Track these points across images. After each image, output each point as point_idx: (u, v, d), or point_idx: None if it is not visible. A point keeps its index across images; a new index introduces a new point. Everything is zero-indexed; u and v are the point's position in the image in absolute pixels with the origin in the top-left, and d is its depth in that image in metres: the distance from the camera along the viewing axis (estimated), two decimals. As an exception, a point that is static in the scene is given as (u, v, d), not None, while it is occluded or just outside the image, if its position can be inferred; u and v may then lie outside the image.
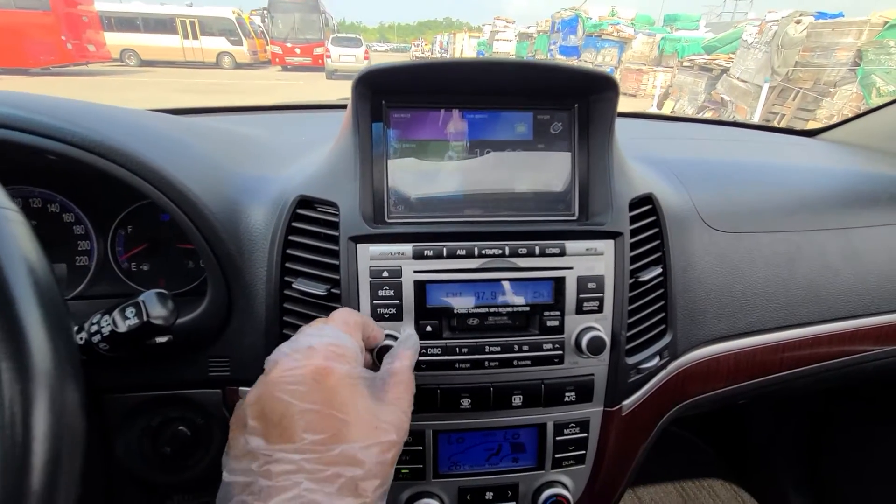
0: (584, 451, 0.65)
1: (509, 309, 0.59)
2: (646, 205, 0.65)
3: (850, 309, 0.79)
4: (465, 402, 0.60)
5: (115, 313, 0.45)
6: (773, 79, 9.00)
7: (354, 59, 18.23)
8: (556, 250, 0.59)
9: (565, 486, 0.65)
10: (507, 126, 0.62)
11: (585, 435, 0.65)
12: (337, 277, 0.57)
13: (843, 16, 8.92)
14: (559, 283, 0.59)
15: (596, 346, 0.58)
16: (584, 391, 0.62)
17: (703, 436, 1.44)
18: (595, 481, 0.68)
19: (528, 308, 0.59)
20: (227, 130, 0.82)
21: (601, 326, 0.60)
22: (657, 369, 0.68)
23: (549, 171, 0.63)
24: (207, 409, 0.63)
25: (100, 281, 0.70)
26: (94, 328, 0.45)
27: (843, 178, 0.94)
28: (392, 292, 0.57)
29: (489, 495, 0.65)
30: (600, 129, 0.62)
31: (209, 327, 0.59)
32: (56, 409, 0.27)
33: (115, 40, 17.95)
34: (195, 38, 19.65)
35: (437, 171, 0.61)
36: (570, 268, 0.59)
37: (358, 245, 0.57)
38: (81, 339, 0.46)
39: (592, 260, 0.60)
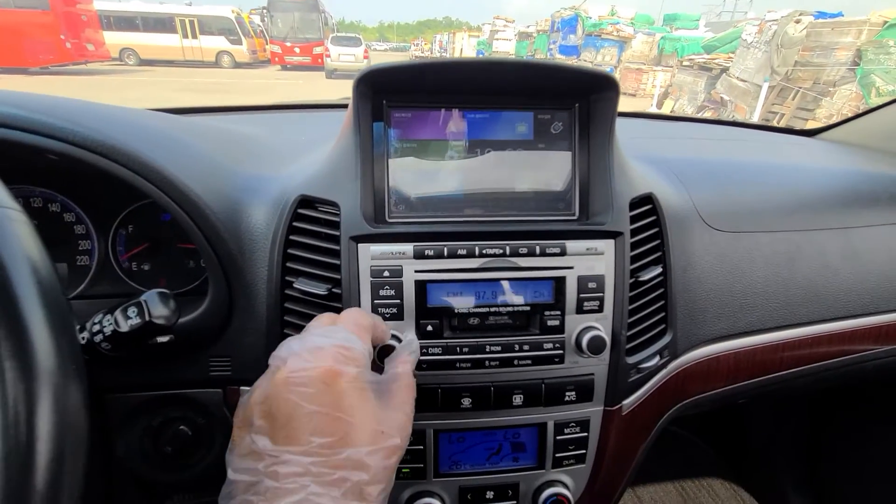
0: (584, 451, 0.65)
1: (510, 308, 0.59)
2: (646, 204, 0.65)
3: (849, 308, 0.79)
4: (466, 402, 0.60)
5: (117, 313, 0.45)
6: (773, 78, 9.00)
7: (354, 59, 18.23)
8: (557, 250, 0.59)
9: (566, 486, 0.65)
10: (508, 126, 0.62)
11: (585, 434, 0.65)
12: (338, 277, 0.57)
13: (842, 15, 8.92)
14: (559, 282, 0.59)
15: (596, 346, 0.58)
16: (585, 391, 0.62)
17: (703, 435, 1.44)
18: (595, 480, 0.68)
19: (528, 308, 0.59)
20: (227, 130, 0.82)
21: (601, 326, 0.60)
22: (657, 369, 0.68)
23: (549, 170, 0.63)
24: (208, 409, 0.63)
25: (100, 280, 0.70)
26: (96, 328, 0.45)
27: (843, 177, 0.94)
28: (393, 292, 0.57)
29: (490, 494, 0.65)
30: (601, 129, 0.62)
31: (210, 327, 0.59)
32: (59, 408, 0.28)
33: (114, 39, 17.94)
34: (194, 37, 19.63)
35: (438, 170, 0.61)
36: (571, 267, 0.60)
37: (359, 245, 0.57)
38: (83, 338, 0.46)
39: (593, 259, 0.60)
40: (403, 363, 0.47)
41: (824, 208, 0.83)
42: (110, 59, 17.65)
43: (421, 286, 0.57)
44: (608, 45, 17.04)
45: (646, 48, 16.10)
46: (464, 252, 0.58)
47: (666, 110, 11.41)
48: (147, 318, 0.45)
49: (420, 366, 0.58)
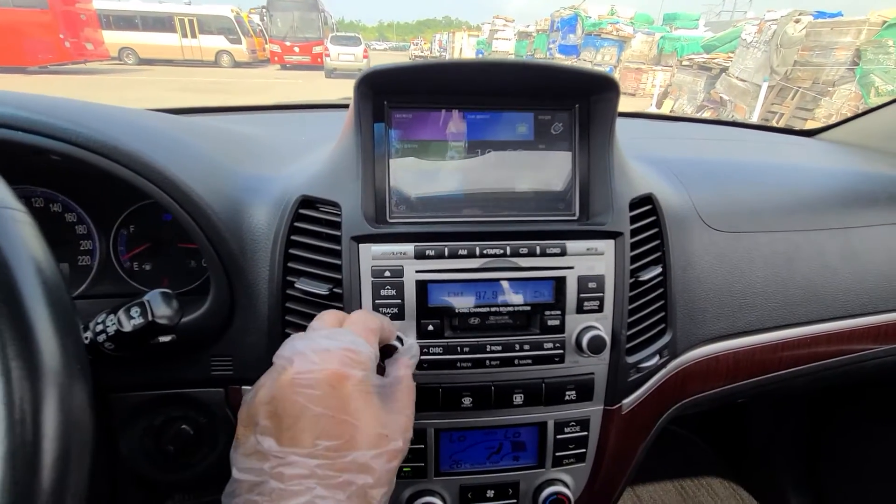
0: (584, 450, 0.66)
1: (510, 308, 0.60)
2: (646, 205, 0.65)
3: (848, 308, 0.79)
4: (467, 401, 0.60)
5: (121, 313, 0.45)
6: (772, 78, 9.01)
7: (353, 58, 18.22)
8: (557, 250, 0.59)
9: (566, 485, 0.66)
10: (509, 126, 0.62)
11: (586, 433, 0.65)
12: (339, 277, 0.57)
13: (841, 15, 8.92)
14: (560, 282, 0.60)
15: (596, 346, 0.59)
16: (585, 390, 0.62)
17: (703, 434, 1.44)
18: (595, 479, 0.68)
19: (528, 307, 0.60)
20: (227, 130, 0.82)
21: (601, 326, 0.60)
22: (657, 368, 0.68)
23: (549, 171, 0.63)
24: (210, 408, 0.63)
25: (102, 280, 0.70)
26: (100, 328, 0.45)
27: (842, 177, 0.94)
28: (394, 292, 0.57)
29: (490, 493, 0.65)
30: (601, 130, 0.62)
31: (212, 326, 0.59)
32: (65, 407, 0.28)
33: (114, 39, 17.92)
34: (194, 36, 19.61)
35: (439, 171, 0.61)
36: (571, 267, 0.60)
37: (360, 245, 0.57)
38: (87, 338, 0.46)
39: (593, 259, 0.60)
40: (405, 366, 0.47)
41: (823, 208, 0.83)
42: (109, 58, 17.62)
43: (422, 286, 0.58)
44: (608, 45, 17.03)
45: (645, 48, 16.10)
46: (464, 252, 0.58)
47: (665, 110, 11.42)
48: (150, 317, 0.45)
49: (421, 365, 0.58)
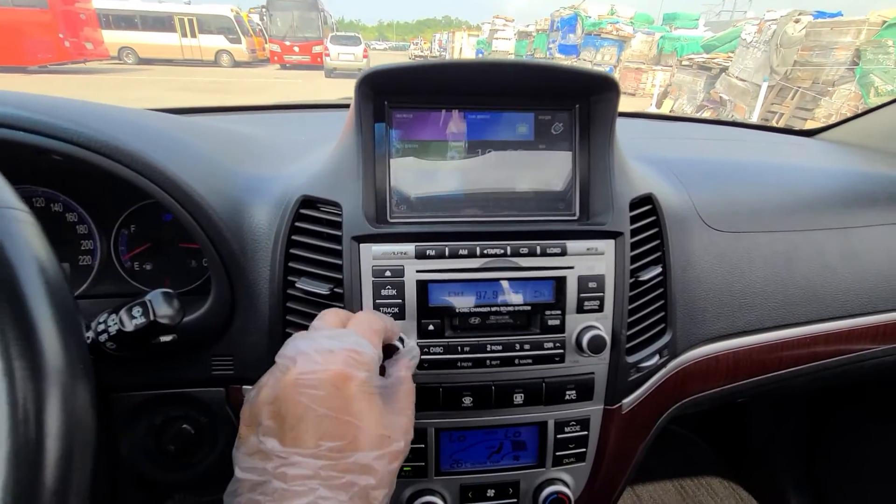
0: (584, 449, 0.66)
1: (511, 308, 0.60)
2: (646, 205, 0.66)
3: (847, 308, 0.79)
4: (467, 401, 0.60)
5: (122, 312, 0.45)
6: (772, 78, 9.01)
7: (353, 58, 18.21)
8: (557, 250, 0.59)
9: (566, 484, 0.66)
10: (509, 126, 0.62)
11: (586, 433, 0.65)
12: (340, 277, 0.58)
13: (841, 15, 8.92)
14: (560, 282, 0.60)
15: (596, 345, 0.59)
16: (585, 389, 0.63)
17: (703, 434, 1.45)
18: (595, 479, 0.68)
19: (529, 307, 0.60)
20: (227, 130, 0.82)
21: (602, 325, 0.60)
22: (657, 368, 0.69)
23: (550, 171, 0.63)
24: (211, 408, 0.63)
25: (103, 280, 0.70)
26: (101, 327, 0.46)
27: (842, 177, 0.94)
28: (394, 292, 0.57)
29: (490, 493, 0.65)
30: (601, 130, 0.62)
31: (213, 326, 0.59)
32: (68, 407, 0.28)
33: (113, 38, 17.92)
34: (193, 36, 19.60)
35: (439, 171, 0.62)
36: (571, 267, 0.60)
37: (361, 245, 0.57)
38: (88, 338, 0.46)
39: (593, 259, 0.60)
40: (405, 368, 0.47)
41: (823, 208, 0.83)
42: (109, 57, 17.61)
43: (422, 286, 0.58)
44: (607, 45, 17.03)
45: (645, 47, 16.09)
46: (465, 252, 0.58)
47: (665, 109, 11.42)
48: (152, 317, 0.45)
49: (422, 365, 0.58)
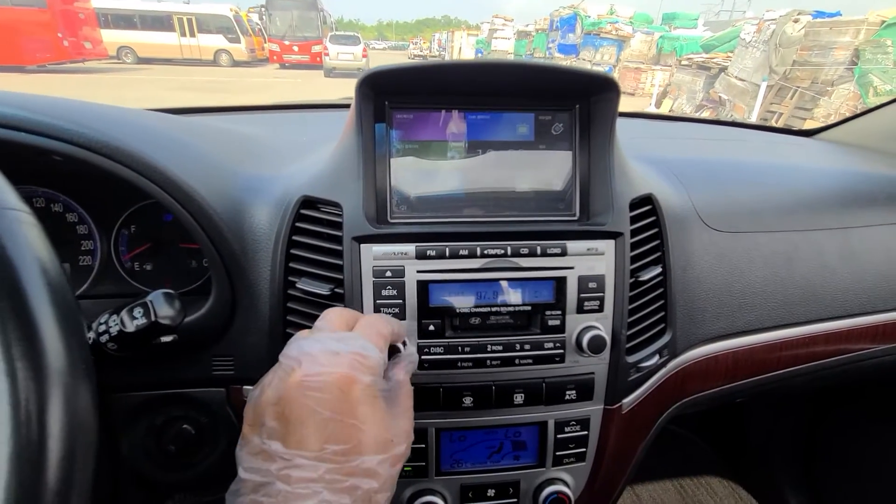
0: (584, 449, 0.66)
1: (511, 308, 0.60)
2: (646, 205, 0.66)
3: (846, 308, 0.79)
4: (468, 401, 0.60)
5: (123, 313, 0.45)
6: (771, 77, 9.02)
7: (352, 57, 18.21)
8: (558, 250, 0.59)
9: (566, 484, 0.66)
10: (509, 127, 0.62)
11: (586, 433, 0.65)
12: (340, 277, 0.58)
13: (840, 15, 8.93)
14: (560, 282, 0.60)
15: (597, 345, 0.59)
16: (585, 389, 0.63)
17: (702, 434, 1.45)
18: (595, 479, 0.68)
19: (529, 307, 0.60)
20: (227, 130, 0.82)
21: (602, 325, 0.60)
22: (657, 368, 0.69)
23: (550, 171, 0.63)
24: (211, 408, 0.63)
25: (103, 280, 0.70)
26: (102, 328, 0.46)
27: (841, 178, 0.94)
28: (395, 292, 0.57)
29: (491, 492, 0.65)
30: (601, 130, 0.62)
31: (213, 326, 0.59)
32: (70, 407, 0.28)
33: (112, 37, 17.90)
34: (192, 35, 19.58)
35: (440, 171, 0.62)
36: (571, 267, 0.60)
37: (361, 245, 0.57)
38: (89, 338, 0.46)
39: (593, 260, 0.61)
40: (403, 371, 0.47)
41: (822, 208, 0.83)
42: (108, 57, 17.59)
43: (423, 286, 0.58)
44: (607, 44, 17.03)
45: (644, 47, 16.10)
46: (465, 252, 0.58)
47: (664, 109, 11.43)
48: (153, 318, 0.45)
49: (422, 365, 0.58)
